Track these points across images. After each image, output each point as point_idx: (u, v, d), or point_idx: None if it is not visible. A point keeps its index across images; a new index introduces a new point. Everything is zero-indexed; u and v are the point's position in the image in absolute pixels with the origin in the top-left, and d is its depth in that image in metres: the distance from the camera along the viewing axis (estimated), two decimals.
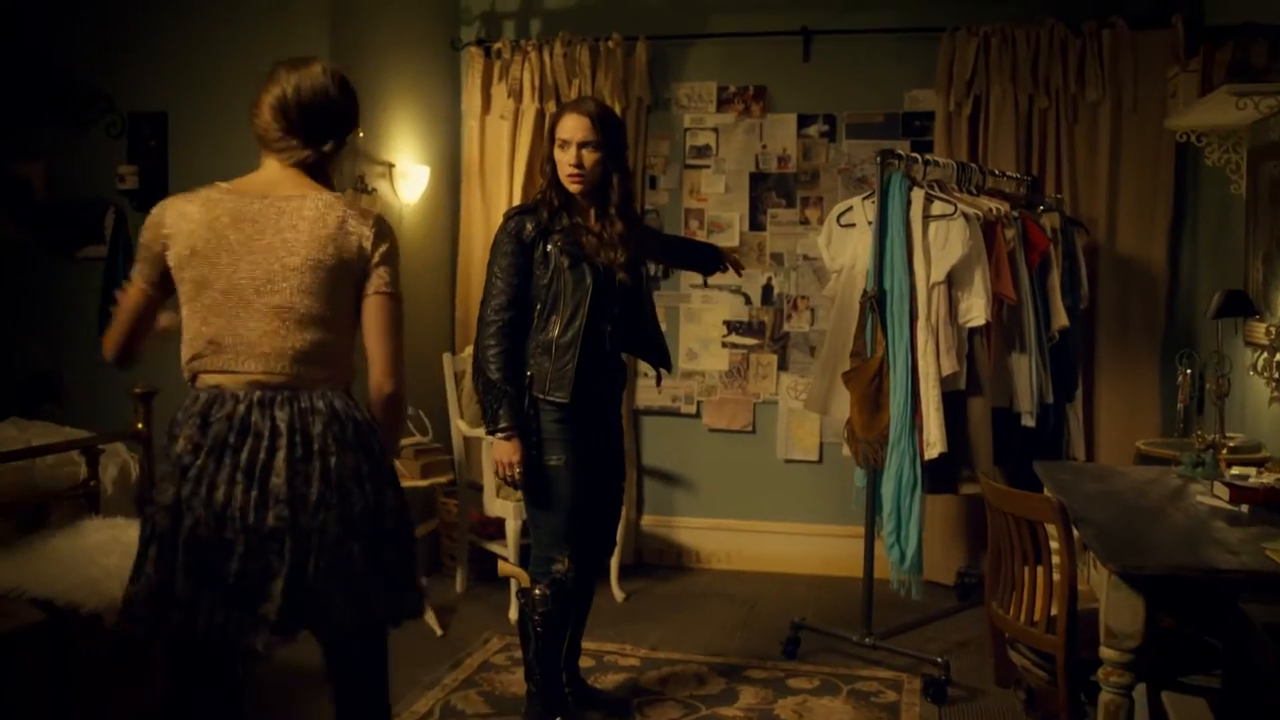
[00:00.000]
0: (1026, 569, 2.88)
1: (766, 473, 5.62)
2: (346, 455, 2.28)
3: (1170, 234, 5.09)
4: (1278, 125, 3.66)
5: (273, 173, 2.42)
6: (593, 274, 3.40)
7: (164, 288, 2.41)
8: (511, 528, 4.78)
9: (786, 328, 5.57)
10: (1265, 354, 3.49)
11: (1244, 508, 2.92)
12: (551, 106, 5.49)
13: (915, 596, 4.11)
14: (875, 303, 4.07)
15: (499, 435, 3.35)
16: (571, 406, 3.41)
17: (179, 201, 2.40)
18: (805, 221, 5.53)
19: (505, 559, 4.76)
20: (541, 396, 3.38)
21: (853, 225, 4.30)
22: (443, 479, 4.66)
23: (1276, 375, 3.36)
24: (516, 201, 5.52)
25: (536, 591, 3.45)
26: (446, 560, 5.44)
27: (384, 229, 2.43)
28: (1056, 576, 2.82)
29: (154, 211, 2.42)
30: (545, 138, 3.49)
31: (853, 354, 4.18)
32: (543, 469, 3.40)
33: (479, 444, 5.01)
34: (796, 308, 5.56)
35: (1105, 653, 2.52)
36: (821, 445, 5.55)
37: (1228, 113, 3.96)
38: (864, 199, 4.29)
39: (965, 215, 4.00)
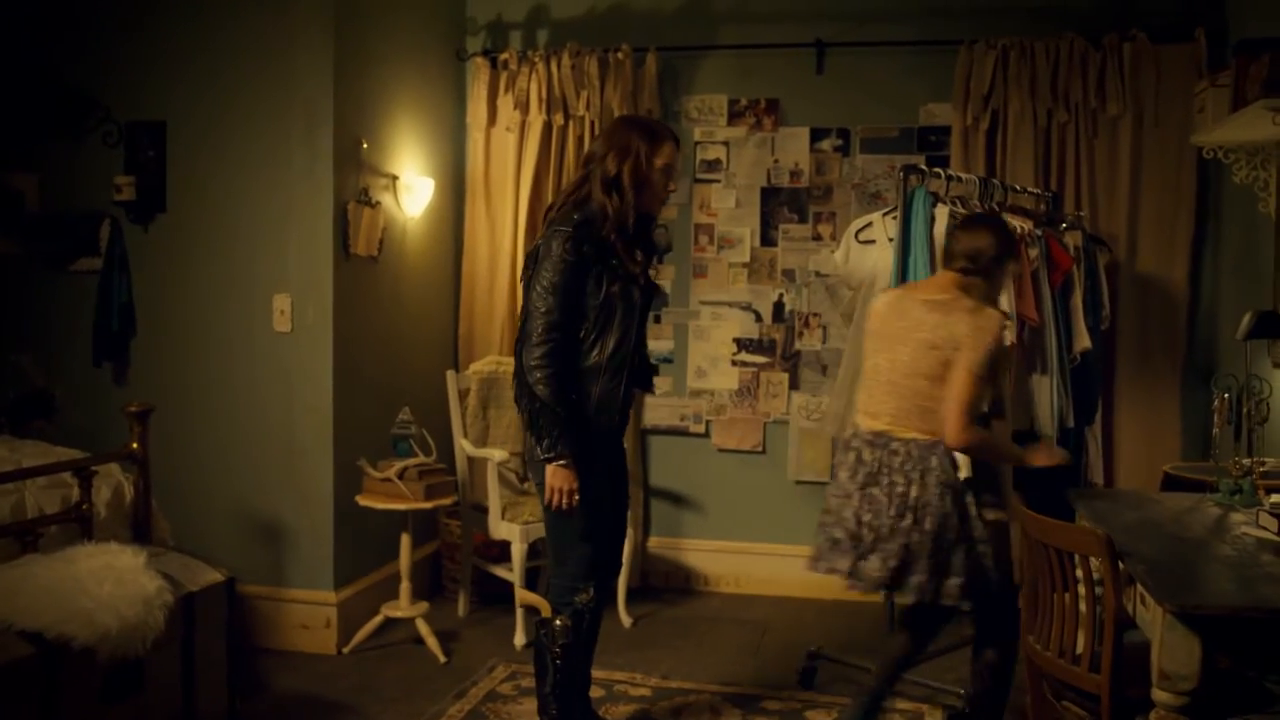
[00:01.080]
0: (1066, 601, 2.74)
1: (777, 494, 5.49)
2: None
3: (1191, 252, 4.97)
4: None
5: None
6: (637, 295, 3.29)
7: None
8: (518, 550, 4.64)
9: (798, 346, 5.45)
10: None
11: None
12: (559, 119, 5.37)
13: None
14: None
15: (560, 463, 3.19)
16: (612, 433, 3.32)
17: None
18: (818, 237, 5.41)
19: (522, 587, 4.62)
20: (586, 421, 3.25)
21: (872, 242, 4.18)
22: (446, 500, 4.52)
23: None
24: (523, 216, 5.40)
25: (557, 622, 3.32)
26: (448, 584, 5.30)
27: None
28: (1087, 607, 2.69)
29: None
30: (632, 156, 3.22)
31: None
32: (583, 498, 3.26)
33: (483, 464, 4.87)
34: (808, 325, 5.43)
35: (1158, 695, 2.39)
36: (834, 466, 5.40)
37: (1261, 128, 3.85)
38: (884, 215, 4.17)
39: None
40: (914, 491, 3.21)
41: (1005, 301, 3.92)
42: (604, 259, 3.23)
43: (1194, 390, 4.88)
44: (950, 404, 3.15)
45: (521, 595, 3.43)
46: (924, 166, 4.05)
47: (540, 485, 3.29)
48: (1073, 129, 5.01)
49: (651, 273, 3.42)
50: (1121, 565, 2.62)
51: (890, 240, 4.07)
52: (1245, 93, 3.74)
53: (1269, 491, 3.42)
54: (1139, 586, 2.61)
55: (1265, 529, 2.88)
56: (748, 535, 5.52)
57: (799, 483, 5.46)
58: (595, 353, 3.24)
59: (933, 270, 3.93)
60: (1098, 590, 2.69)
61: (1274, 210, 4.25)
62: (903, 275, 3.95)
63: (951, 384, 3.16)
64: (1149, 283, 4.99)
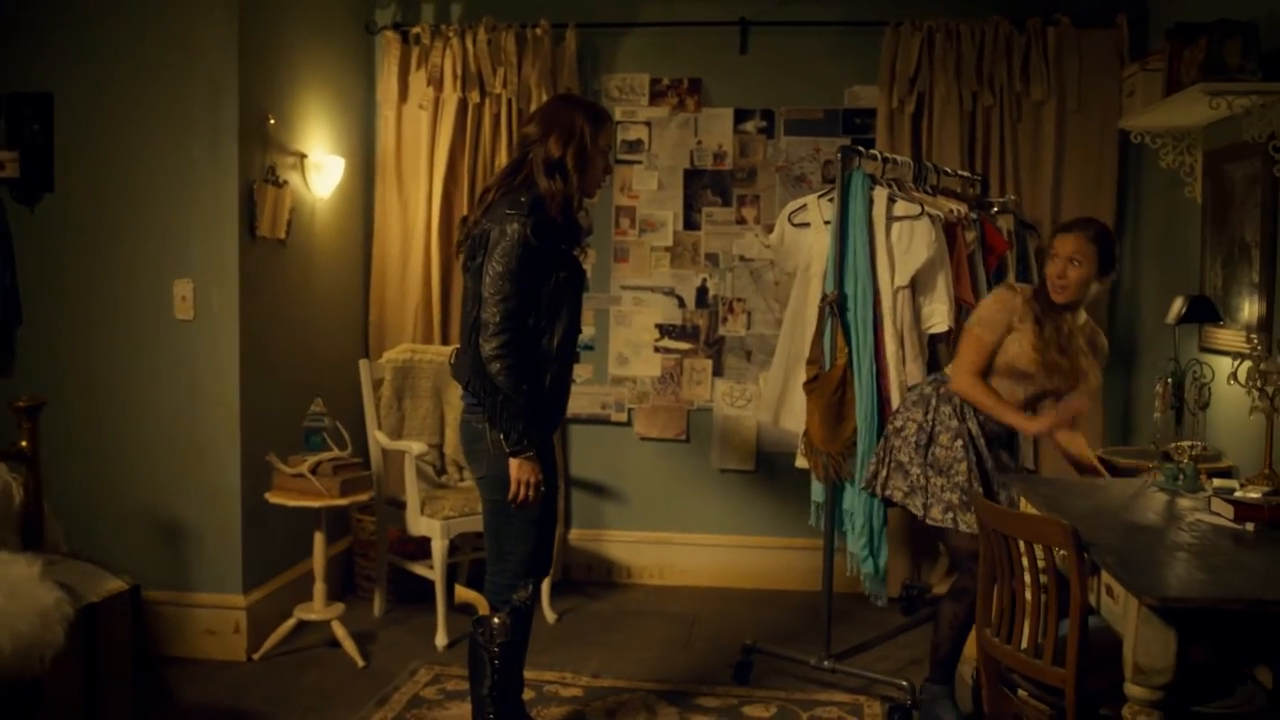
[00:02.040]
0: (1027, 594, 2.67)
1: (701, 483, 5.38)
2: None
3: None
4: (1251, 125, 3.54)
5: None
6: (581, 280, 3.22)
7: None
8: (439, 547, 4.44)
9: (722, 331, 5.33)
10: (1247, 362, 3.36)
11: (1248, 526, 2.76)
12: (475, 96, 5.16)
13: (883, 604, 3.97)
14: (836, 307, 3.85)
15: (526, 455, 3.05)
16: (556, 423, 3.26)
17: None
18: (742, 221, 5.30)
19: (444, 584, 4.44)
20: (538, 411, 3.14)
21: (807, 225, 4.08)
22: (363, 496, 4.30)
23: (1259, 384, 3.23)
24: (437, 198, 5.18)
25: (496, 620, 3.16)
26: (362, 582, 5.07)
27: None
28: (1050, 599, 2.63)
29: None
30: (576, 138, 3.09)
31: (810, 361, 3.96)
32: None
33: (398, 457, 4.66)
34: (733, 311, 5.32)
35: (1132, 690, 2.33)
36: (758, 454, 5.32)
37: (1196, 112, 3.85)
38: (819, 197, 4.07)
39: (930, 216, 3.81)
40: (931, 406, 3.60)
41: (943, 285, 3.86)
42: (554, 244, 3.09)
43: (1114, 375, 4.89)
44: (956, 360, 3.58)
45: (460, 593, 3.27)
46: (861, 148, 3.95)
47: (490, 479, 3.15)
48: (997, 113, 4.99)
49: (580, 256, 3.27)
50: (1086, 555, 2.56)
51: (826, 223, 3.97)
52: (1180, 76, 3.73)
53: (1210, 475, 3.42)
54: (1103, 577, 2.55)
55: (1219, 514, 2.85)
56: (671, 525, 5.41)
57: (723, 471, 5.36)
58: (546, 341, 3.12)
59: (872, 254, 3.85)
60: (1042, 579, 2.63)
61: (1199, 195, 4.27)
62: (840, 259, 3.85)
63: (961, 344, 3.57)
64: None
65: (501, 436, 3.05)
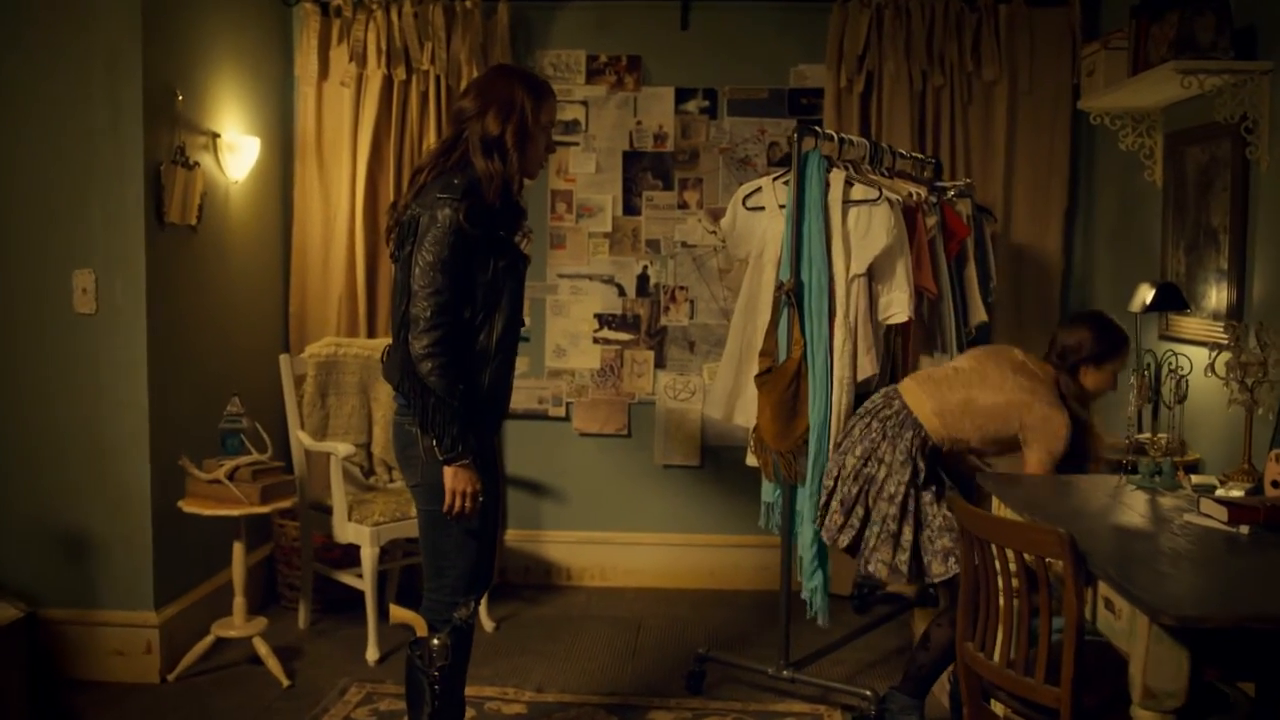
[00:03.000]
0: (1016, 606, 2.48)
1: (643, 480, 5.15)
2: None
3: (1065, 221, 4.86)
4: (1224, 105, 3.40)
5: None
6: (522, 269, 2.94)
7: None
8: (369, 556, 4.15)
9: (664, 321, 5.10)
10: (1225, 353, 3.23)
11: (1243, 529, 2.61)
12: (401, 73, 4.84)
13: (823, 623, 3.73)
14: (792, 296, 3.63)
15: (462, 463, 2.78)
16: (497, 425, 2.97)
17: None
18: (684, 205, 5.06)
19: (375, 593, 4.15)
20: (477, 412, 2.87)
21: (761, 209, 3.85)
22: (285, 503, 3.98)
23: (1239, 376, 3.09)
24: (361, 181, 4.86)
25: (435, 642, 2.89)
26: (285, 592, 4.75)
27: None
28: (1042, 612, 2.45)
29: None
30: (516, 113, 2.82)
31: (763, 353, 3.74)
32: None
33: (323, 460, 4.36)
34: (675, 299, 5.09)
35: (1141, 715, 2.15)
36: (703, 449, 5.11)
37: (1160, 93, 3.71)
38: (775, 179, 3.85)
39: (890, 201, 3.61)
40: (885, 444, 3.38)
41: (902, 272, 3.67)
42: (491, 230, 2.81)
43: None
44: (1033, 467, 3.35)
45: (395, 614, 2.98)
46: (817, 128, 3.73)
47: (424, 487, 2.87)
48: (948, 93, 4.82)
49: (521, 242, 3.01)
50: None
51: (781, 207, 3.75)
52: (1148, 55, 3.57)
53: (1186, 471, 3.28)
54: (1100, 589, 2.37)
55: (1211, 516, 2.69)
56: (612, 524, 5.17)
57: (666, 467, 5.14)
58: (484, 336, 2.85)
59: (828, 240, 3.64)
60: (1015, 583, 2.45)
61: (1159, 178, 4.13)
62: (797, 245, 3.64)
63: (1028, 462, 3.35)
64: (1024, 253, 4.86)
65: (434, 443, 2.77)
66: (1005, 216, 4.81)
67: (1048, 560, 2.41)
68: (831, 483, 3.48)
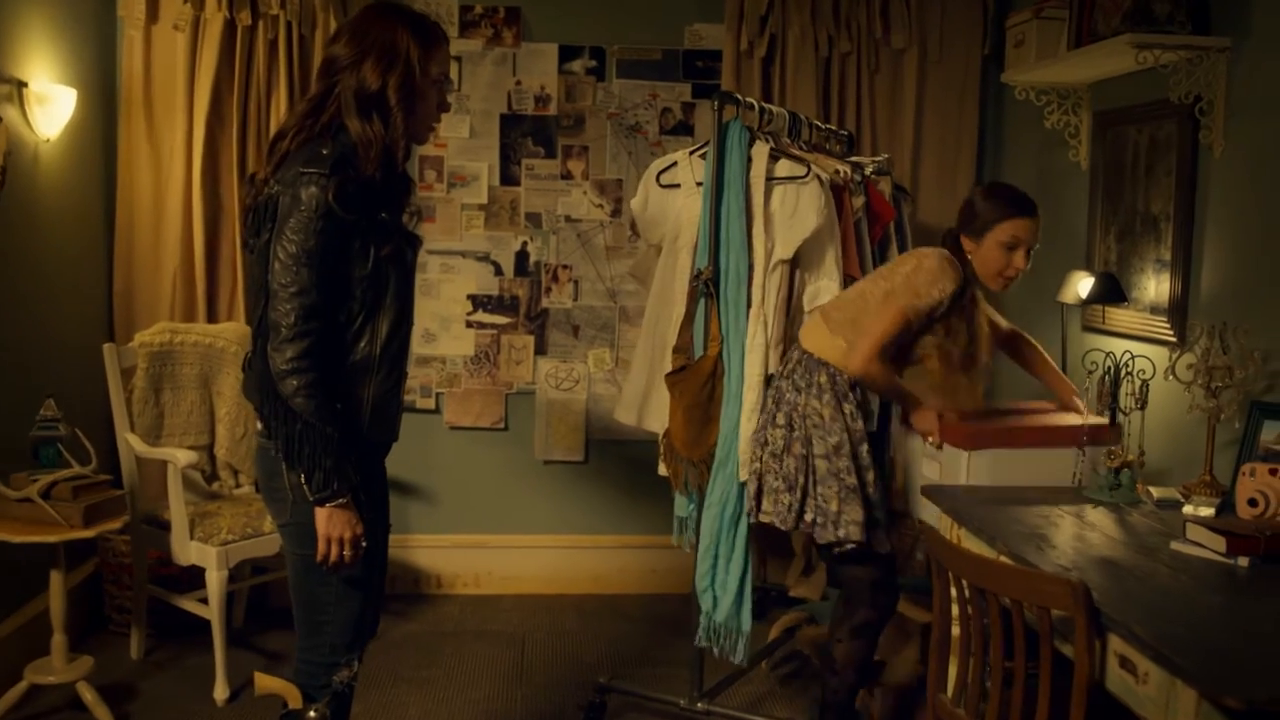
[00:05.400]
0: (1012, 663, 2.15)
1: (522, 477, 4.69)
2: None
3: None
4: (1179, 84, 3.13)
5: None
6: (410, 257, 2.41)
7: None
8: (215, 580, 3.59)
9: (545, 303, 4.63)
10: (1187, 355, 2.97)
11: (1241, 561, 2.34)
12: (245, 17, 4.21)
13: (738, 660, 3.32)
14: (710, 286, 3.23)
15: (337, 503, 2.24)
16: (385, 448, 2.50)
17: None
18: (568, 175, 4.59)
19: (222, 622, 3.58)
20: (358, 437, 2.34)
21: (677, 185, 3.42)
22: (114, 524, 3.37)
23: (1205, 381, 2.84)
24: (199, 140, 4.24)
25: (312, 714, 2.38)
26: (114, 615, 4.12)
27: None
28: (1042, 671, 2.14)
29: None
30: (401, 63, 2.29)
31: (676, 350, 3.33)
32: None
33: (159, 467, 3.76)
34: (557, 279, 4.63)
35: None
36: (588, 442, 4.68)
37: (1110, 64, 3.43)
38: (692, 153, 3.42)
39: (819, 178, 3.24)
40: (802, 400, 3.00)
41: (831, 258, 3.31)
42: (370, 211, 2.28)
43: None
44: (868, 334, 2.92)
45: (261, 682, 2.45)
46: (739, 95, 3.31)
47: (293, 528, 2.34)
48: (854, 60, 4.48)
49: (411, 222, 2.50)
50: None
51: (699, 185, 3.33)
52: (1095, 25, 3.28)
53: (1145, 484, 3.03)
54: (1113, 643, 2.05)
55: (1201, 545, 2.42)
56: (488, 526, 4.71)
57: (547, 463, 4.69)
58: (365, 342, 2.32)
59: (748, 222, 3.24)
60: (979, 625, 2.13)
61: (1085, 159, 3.88)
62: (715, 226, 3.23)
63: (879, 315, 2.93)
64: (932, 237, 4.55)
65: (302, 479, 2.26)
66: (914, 195, 4.51)
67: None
68: (759, 464, 3.07)
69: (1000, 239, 2.93)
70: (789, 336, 3.30)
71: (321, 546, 2.26)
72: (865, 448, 2.99)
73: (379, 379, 2.34)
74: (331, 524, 2.25)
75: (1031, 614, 2.10)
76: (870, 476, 2.97)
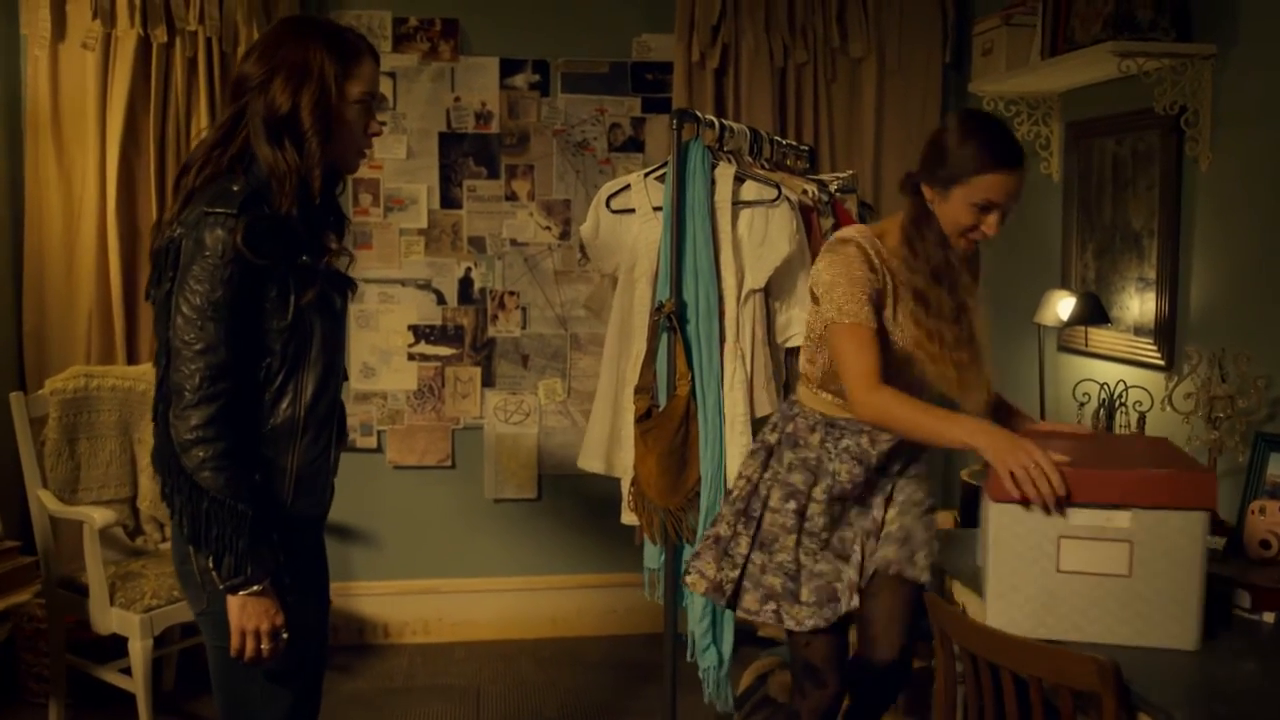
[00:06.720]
0: None
1: (472, 517, 4.42)
2: None
3: None
4: (1163, 94, 2.96)
5: None
6: (338, 302, 2.10)
7: None
8: (138, 651, 3.28)
9: (492, 332, 4.37)
10: (1185, 383, 2.80)
11: (1267, 616, 2.16)
12: (161, 34, 3.91)
13: (726, 708, 3.12)
14: (674, 319, 2.99)
15: (251, 590, 1.95)
16: (318, 521, 2.19)
17: None
18: (512, 196, 4.34)
19: (148, 694, 3.27)
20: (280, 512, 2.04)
21: (630, 211, 3.18)
22: (24, 595, 3.07)
23: (1207, 412, 2.67)
24: (113, 165, 3.93)
25: None
26: (30, 684, 3.78)
27: None
28: None
29: None
30: (315, 81, 1.97)
31: (638, 390, 3.09)
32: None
33: (75, 525, 3.44)
34: (504, 307, 4.37)
35: None
36: (540, 479, 4.42)
37: (1077, 76, 3.26)
38: (646, 175, 3.19)
39: (789, 201, 3.02)
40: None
41: (804, 286, 3.09)
42: (287, 254, 2.00)
43: None
44: (844, 372, 2.34)
45: None
46: (698, 113, 3.09)
47: (210, 616, 2.04)
48: (811, 71, 4.28)
49: (342, 262, 2.21)
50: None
51: (656, 210, 3.10)
52: (1072, 33, 3.10)
53: None
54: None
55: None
56: (437, 570, 4.43)
57: (498, 501, 4.43)
58: (287, 404, 2.02)
59: (715, 248, 3.02)
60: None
61: (1057, 171, 3.72)
62: (678, 255, 3.00)
63: (838, 348, 2.35)
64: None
65: (210, 564, 1.97)
66: (876, 208, 4.31)
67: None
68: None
69: (972, 198, 2.27)
70: (776, 372, 3.09)
71: (235, 640, 1.97)
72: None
73: (304, 444, 2.05)
74: (245, 614, 1.96)
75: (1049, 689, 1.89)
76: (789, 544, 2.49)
